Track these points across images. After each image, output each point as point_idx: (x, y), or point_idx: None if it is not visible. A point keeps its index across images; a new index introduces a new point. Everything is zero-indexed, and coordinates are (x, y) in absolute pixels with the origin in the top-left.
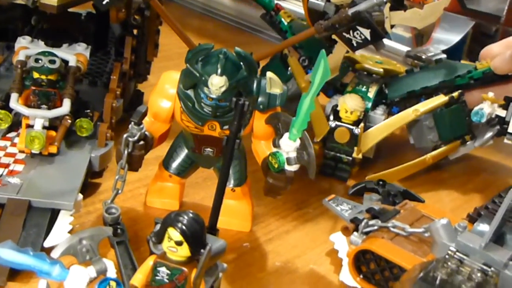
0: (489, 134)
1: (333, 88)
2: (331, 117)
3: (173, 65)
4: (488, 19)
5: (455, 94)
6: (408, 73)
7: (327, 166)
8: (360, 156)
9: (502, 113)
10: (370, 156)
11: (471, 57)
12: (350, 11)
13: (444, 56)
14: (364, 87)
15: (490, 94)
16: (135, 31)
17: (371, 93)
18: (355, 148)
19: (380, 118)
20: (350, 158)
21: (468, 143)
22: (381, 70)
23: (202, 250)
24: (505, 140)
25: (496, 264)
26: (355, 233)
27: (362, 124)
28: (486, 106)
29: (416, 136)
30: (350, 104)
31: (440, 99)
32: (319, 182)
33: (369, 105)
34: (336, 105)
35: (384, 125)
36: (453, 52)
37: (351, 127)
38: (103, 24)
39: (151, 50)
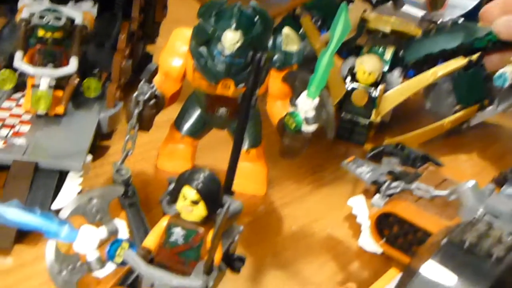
0: None
1: (348, 49)
2: (348, 79)
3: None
4: None
5: (474, 56)
6: (425, 35)
7: (343, 129)
8: (378, 119)
9: None
10: (386, 120)
11: None
12: None
13: (461, 19)
14: (381, 48)
15: None
16: None
17: (387, 56)
18: (374, 111)
19: (397, 81)
20: (367, 122)
21: (490, 107)
22: (389, 28)
23: (218, 210)
24: None
25: None
26: (377, 195)
27: (382, 86)
28: (509, 69)
29: (434, 100)
30: (368, 65)
31: (459, 62)
32: (335, 146)
33: (386, 67)
34: (353, 67)
35: (402, 88)
36: (469, 18)
37: (369, 89)
38: None
39: (159, 11)
